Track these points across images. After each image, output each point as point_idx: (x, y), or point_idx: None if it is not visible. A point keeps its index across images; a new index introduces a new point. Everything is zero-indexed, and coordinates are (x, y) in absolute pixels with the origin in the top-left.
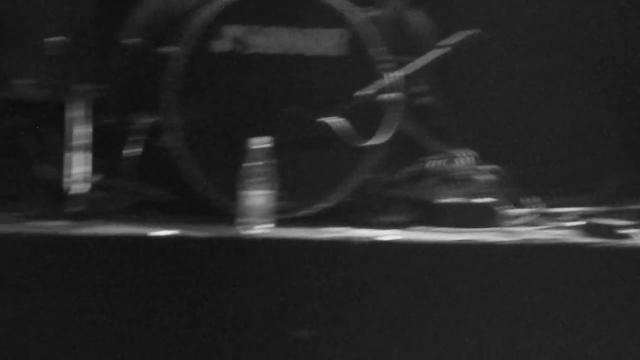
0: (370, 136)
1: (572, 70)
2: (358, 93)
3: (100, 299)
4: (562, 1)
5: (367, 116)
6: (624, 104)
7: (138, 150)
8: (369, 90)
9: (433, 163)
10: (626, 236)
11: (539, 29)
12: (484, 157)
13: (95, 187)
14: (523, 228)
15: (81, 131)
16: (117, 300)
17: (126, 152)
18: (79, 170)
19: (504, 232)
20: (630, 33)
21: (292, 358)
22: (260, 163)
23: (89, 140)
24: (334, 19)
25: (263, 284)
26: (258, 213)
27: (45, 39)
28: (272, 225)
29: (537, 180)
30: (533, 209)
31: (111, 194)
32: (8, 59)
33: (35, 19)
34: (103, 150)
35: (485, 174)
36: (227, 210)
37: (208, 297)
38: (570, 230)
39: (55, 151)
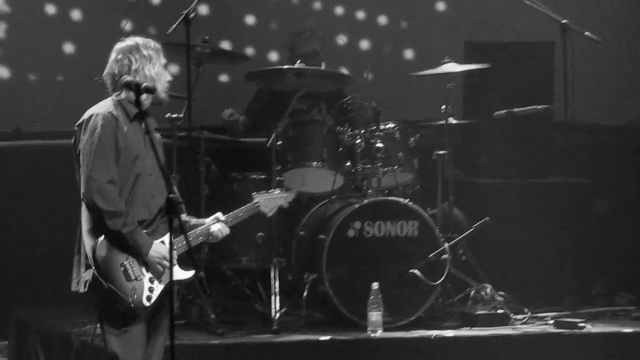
0: (437, 278)
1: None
2: (430, 255)
3: None
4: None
5: (435, 268)
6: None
7: (306, 291)
8: (433, 255)
9: (471, 291)
10: (582, 327)
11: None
12: (496, 287)
13: (284, 314)
14: (522, 325)
15: (276, 284)
16: None
17: (302, 294)
18: (277, 305)
19: (513, 328)
20: None
21: None
22: (376, 297)
23: (277, 289)
24: (412, 214)
25: None
26: (376, 325)
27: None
28: (383, 330)
29: (527, 298)
30: (526, 315)
31: (294, 318)
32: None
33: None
34: (288, 294)
35: (499, 296)
36: (358, 324)
37: None
38: (549, 325)
39: (265, 296)
